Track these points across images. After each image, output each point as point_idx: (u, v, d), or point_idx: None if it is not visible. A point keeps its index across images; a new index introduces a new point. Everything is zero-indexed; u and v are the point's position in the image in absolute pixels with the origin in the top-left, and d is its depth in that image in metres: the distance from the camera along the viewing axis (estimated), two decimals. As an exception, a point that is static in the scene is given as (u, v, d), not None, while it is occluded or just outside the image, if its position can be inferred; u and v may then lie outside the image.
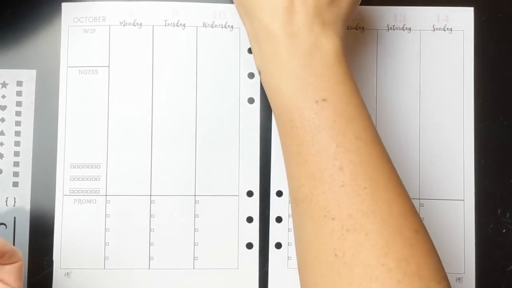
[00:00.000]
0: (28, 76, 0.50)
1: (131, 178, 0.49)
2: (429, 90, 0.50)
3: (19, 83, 0.50)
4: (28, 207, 0.49)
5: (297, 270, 0.40)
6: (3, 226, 0.49)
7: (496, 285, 0.49)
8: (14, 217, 0.49)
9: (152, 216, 0.49)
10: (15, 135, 0.49)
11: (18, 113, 0.49)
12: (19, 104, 0.49)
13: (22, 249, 0.48)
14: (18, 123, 0.49)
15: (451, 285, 0.37)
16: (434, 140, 0.49)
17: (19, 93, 0.49)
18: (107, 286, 0.48)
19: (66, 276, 0.48)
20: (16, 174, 0.49)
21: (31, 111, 0.49)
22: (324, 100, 0.37)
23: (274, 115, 0.41)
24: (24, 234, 0.49)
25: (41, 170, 0.49)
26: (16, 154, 0.49)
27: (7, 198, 0.49)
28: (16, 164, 0.49)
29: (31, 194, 0.49)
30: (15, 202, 0.49)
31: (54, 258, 0.48)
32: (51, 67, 0.50)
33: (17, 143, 0.49)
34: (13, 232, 0.49)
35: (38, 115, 0.50)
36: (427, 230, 0.37)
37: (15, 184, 0.49)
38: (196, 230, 0.49)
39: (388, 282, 0.34)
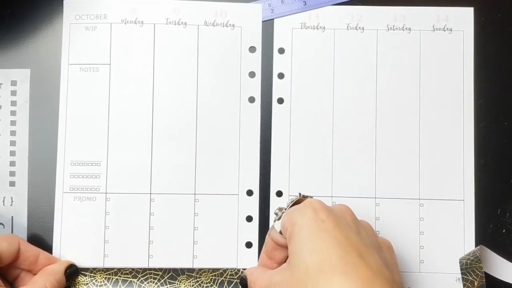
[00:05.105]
0: (22, 76, 0.49)
1: (131, 176, 0.49)
2: (429, 90, 0.50)
3: (13, 83, 0.49)
4: (25, 206, 0.48)
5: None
6: (1, 226, 0.48)
7: (496, 285, 0.49)
8: (12, 217, 0.48)
9: (152, 214, 0.48)
10: (11, 134, 0.49)
11: (13, 113, 0.49)
12: (13, 103, 0.49)
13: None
14: (13, 123, 0.49)
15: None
16: (434, 140, 0.49)
17: (13, 93, 0.49)
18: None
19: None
20: (12, 173, 0.49)
21: (26, 110, 0.49)
22: None
23: None
24: (22, 233, 0.48)
25: (38, 168, 0.49)
26: (12, 153, 0.49)
27: (4, 197, 0.48)
28: (12, 163, 0.49)
29: (28, 193, 0.49)
30: (12, 201, 0.48)
31: (53, 257, 0.48)
32: (52, 64, 0.49)
33: (12, 143, 0.49)
34: (11, 231, 0.48)
35: (33, 113, 0.49)
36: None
37: (12, 184, 0.48)
38: (196, 228, 0.49)
39: None
